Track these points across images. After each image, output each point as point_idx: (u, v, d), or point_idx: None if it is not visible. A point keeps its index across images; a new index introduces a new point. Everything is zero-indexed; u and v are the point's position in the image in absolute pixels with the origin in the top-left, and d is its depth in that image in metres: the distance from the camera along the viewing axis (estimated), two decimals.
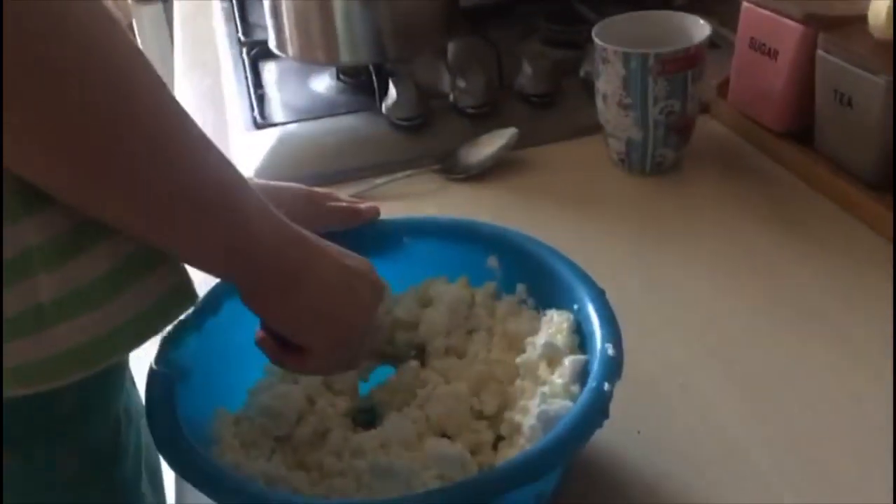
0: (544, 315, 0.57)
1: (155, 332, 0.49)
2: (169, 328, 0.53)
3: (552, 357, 0.54)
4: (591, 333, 0.52)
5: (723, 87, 0.93)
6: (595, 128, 0.88)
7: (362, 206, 0.64)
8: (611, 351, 0.49)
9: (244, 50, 1.11)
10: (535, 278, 0.58)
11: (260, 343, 0.51)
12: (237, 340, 0.55)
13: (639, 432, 0.58)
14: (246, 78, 1.05)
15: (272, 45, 1.01)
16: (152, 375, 0.51)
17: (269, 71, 1.08)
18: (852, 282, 0.70)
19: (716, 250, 0.75)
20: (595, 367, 0.49)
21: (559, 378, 0.51)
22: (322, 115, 0.97)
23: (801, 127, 0.84)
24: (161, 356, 0.52)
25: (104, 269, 0.44)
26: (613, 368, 0.48)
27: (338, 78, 1.04)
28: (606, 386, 0.47)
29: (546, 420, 0.49)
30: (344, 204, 0.64)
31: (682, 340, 0.66)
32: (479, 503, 0.44)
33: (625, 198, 0.84)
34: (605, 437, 0.56)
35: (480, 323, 0.60)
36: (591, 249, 0.76)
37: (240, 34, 1.16)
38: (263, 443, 0.54)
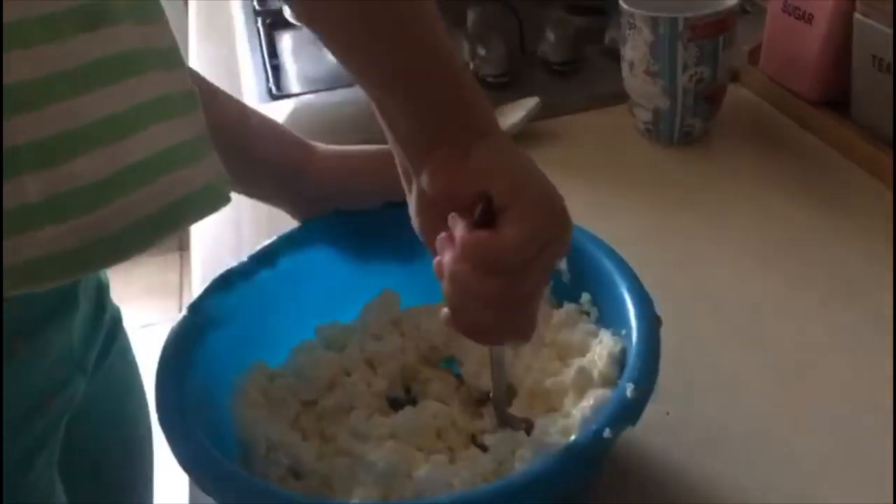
0: (597, 335, 0.52)
1: (139, 249, 0.46)
2: (217, 275, 0.53)
3: (584, 386, 0.49)
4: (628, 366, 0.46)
5: (754, 54, 0.89)
6: (620, 96, 0.85)
7: None
8: (629, 392, 0.43)
9: (259, 19, 1.08)
10: (599, 290, 0.53)
11: (450, 221, 0.43)
12: (292, 298, 0.54)
13: (668, 413, 0.56)
14: (261, 48, 1.03)
15: (288, 14, 0.98)
16: (179, 320, 0.50)
17: (285, 41, 1.06)
18: (889, 256, 0.67)
19: (747, 224, 0.73)
20: (606, 408, 0.44)
21: (578, 413, 0.47)
22: (338, 86, 0.95)
23: (836, 95, 0.80)
24: (197, 301, 0.52)
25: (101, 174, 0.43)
26: (625, 413, 0.42)
27: None
28: (607, 433, 0.41)
29: (537, 454, 0.45)
30: None
31: (712, 318, 0.63)
32: None
33: (651, 169, 0.81)
34: None
35: None
36: (617, 223, 0.73)
37: (255, 3, 1.13)
38: (290, 403, 0.53)
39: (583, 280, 0.54)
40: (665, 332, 0.48)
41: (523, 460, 0.46)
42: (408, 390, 0.57)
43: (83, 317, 0.55)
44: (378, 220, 0.58)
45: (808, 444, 0.53)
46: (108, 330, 0.61)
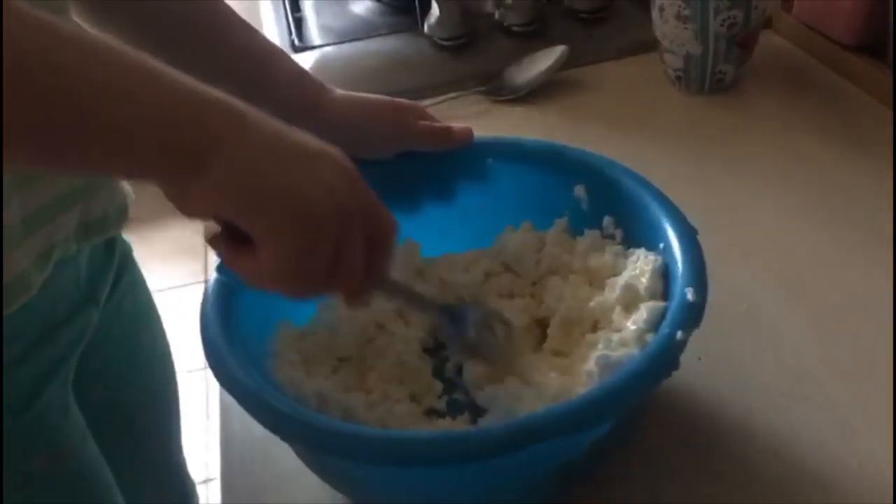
0: (631, 253, 0.52)
1: None
2: None
3: (631, 301, 0.49)
4: (676, 276, 0.47)
5: (787, 0, 0.87)
6: (650, 44, 0.83)
7: (455, 128, 0.59)
8: (691, 296, 0.44)
9: None
10: (624, 211, 0.53)
11: (210, 241, 0.41)
12: None
13: (700, 359, 0.55)
14: (283, 0, 1.02)
15: None
16: (211, 283, 0.49)
17: None
18: None
19: (780, 171, 0.71)
20: (671, 313, 0.45)
21: (633, 325, 0.47)
22: (362, 37, 0.94)
23: (872, 39, 0.78)
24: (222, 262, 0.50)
25: None
26: (691, 316, 0.43)
27: None
28: (680, 334, 0.42)
29: (604, 367, 0.45)
30: (436, 124, 0.59)
31: (746, 264, 0.62)
32: (508, 449, 0.39)
33: (682, 117, 0.80)
34: None
35: (557, 262, 0.56)
36: (648, 173, 0.71)
37: None
38: (326, 360, 0.53)
39: (604, 204, 0.54)
40: None
41: (591, 376, 0.46)
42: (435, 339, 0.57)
43: (91, 253, 0.57)
44: (392, 170, 0.58)
45: (847, 392, 0.52)
46: (118, 264, 0.63)
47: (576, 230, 0.56)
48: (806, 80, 0.82)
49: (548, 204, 0.57)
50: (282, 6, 1.01)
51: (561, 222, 0.56)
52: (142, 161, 0.37)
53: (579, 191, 0.55)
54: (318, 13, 1.00)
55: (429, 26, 0.90)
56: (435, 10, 0.89)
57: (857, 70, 0.79)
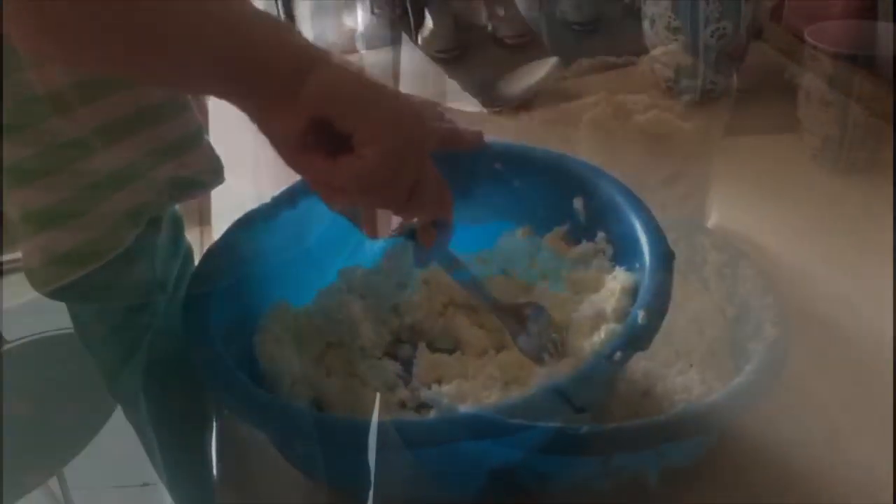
0: (612, 272, 0.53)
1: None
2: (240, 217, 0.54)
3: (597, 321, 0.50)
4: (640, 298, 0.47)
5: (776, 11, 0.88)
6: (641, 56, 0.84)
7: (467, 131, 0.57)
8: (640, 319, 0.44)
9: None
10: (613, 228, 0.54)
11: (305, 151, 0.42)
12: (315, 238, 0.54)
13: (691, 366, 0.55)
14: (278, 13, 1.03)
15: None
16: (206, 253, 0.51)
17: (302, 6, 1.05)
18: None
19: (771, 182, 0.72)
20: (620, 333, 0.45)
21: (588, 347, 0.48)
22: (356, 50, 0.95)
23: (861, 49, 0.79)
24: (223, 238, 0.52)
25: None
26: (635, 338, 0.44)
27: (372, 12, 1.01)
28: (618, 356, 0.43)
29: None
30: (447, 126, 0.57)
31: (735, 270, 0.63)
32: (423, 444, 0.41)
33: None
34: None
35: (547, 269, 0.57)
36: (639, 184, 0.72)
37: None
38: (316, 343, 0.53)
39: (598, 219, 0.55)
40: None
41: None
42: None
43: (163, 242, 0.59)
44: None
45: (831, 392, 0.53)
46: (183, 259, 0.64)
47: (575, 240, 0.56)
48: (795, 89, 0.83)
49: (551, 212, 0.57)
50: None
51: (560, 230, 0.57)
52: (250, 76, 0.39)
53: (577, 203, 0.55)
54: (312, 26, 1.01)
55: (423, 38, 0.91)
56: (429, 22, 0.90)
57: (847, 79, 0.80)
